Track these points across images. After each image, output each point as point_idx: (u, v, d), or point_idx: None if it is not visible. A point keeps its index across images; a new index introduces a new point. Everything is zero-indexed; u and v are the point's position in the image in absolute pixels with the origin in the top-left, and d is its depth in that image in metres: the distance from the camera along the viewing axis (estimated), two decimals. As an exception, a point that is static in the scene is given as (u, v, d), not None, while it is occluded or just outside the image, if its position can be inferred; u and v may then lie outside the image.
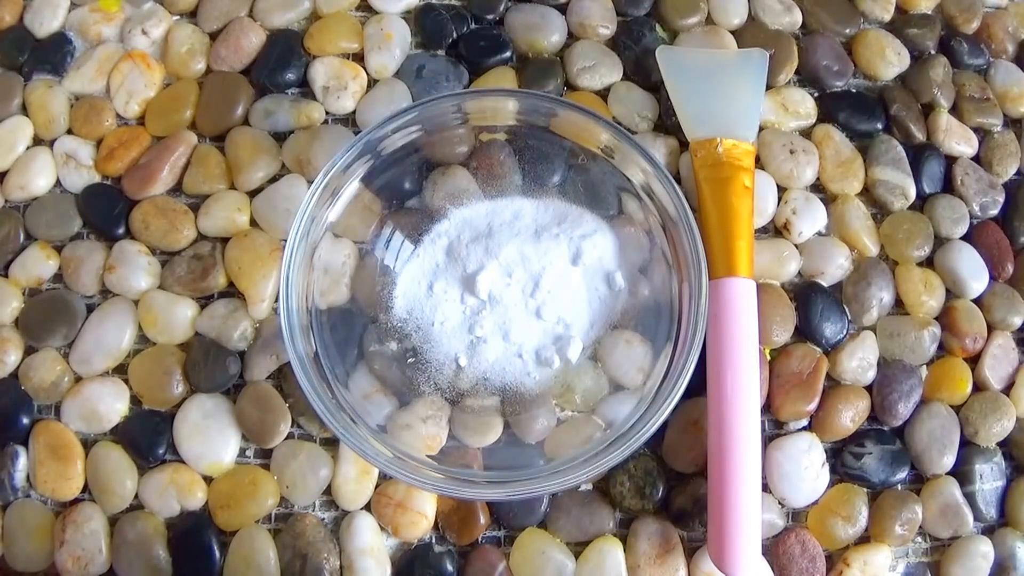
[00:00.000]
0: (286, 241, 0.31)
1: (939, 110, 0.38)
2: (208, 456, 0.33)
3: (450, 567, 0.32)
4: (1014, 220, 0.37)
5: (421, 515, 0.33)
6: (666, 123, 0.37)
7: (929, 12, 0.41)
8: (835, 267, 0.36)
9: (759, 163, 0.37)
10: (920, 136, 0.38)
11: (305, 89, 0.38)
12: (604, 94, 0.38)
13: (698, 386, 0.32)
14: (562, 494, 0.33)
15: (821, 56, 0.39)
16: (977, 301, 0.36)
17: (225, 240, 0.35)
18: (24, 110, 0.38)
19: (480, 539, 0.33)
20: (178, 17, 0.39)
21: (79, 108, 0.37)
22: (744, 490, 0.30)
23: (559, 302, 0.33)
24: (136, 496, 0.33)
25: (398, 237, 0.34)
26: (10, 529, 0.33)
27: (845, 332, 0.35)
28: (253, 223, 0.36)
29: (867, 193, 0.37)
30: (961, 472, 0.34)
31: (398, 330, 0.33)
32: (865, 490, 0.33)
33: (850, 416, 0.34)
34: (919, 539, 0.34)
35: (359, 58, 0.38)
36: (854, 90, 0.39)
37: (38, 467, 0.33)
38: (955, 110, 0.39)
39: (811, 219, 0.36)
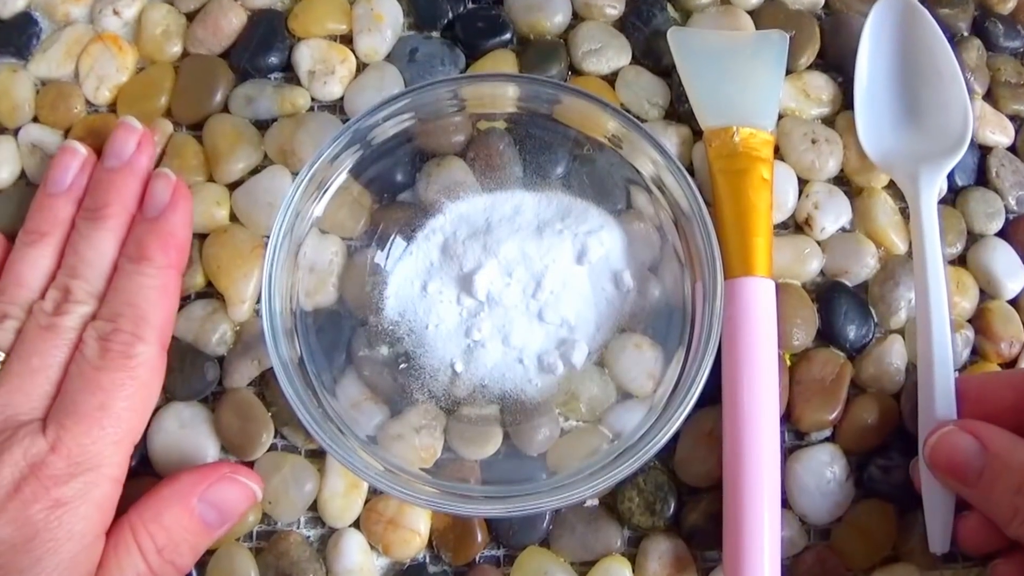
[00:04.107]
0: (269, 238, 0.31)
1: (973, 97, 0.38)
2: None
3: (445, 589, 0.32)
4: (1053, 215, 0.38)
5: (414, 532, 0.33)
6: (678, 110, 0.37)
7: (962, -9, 0.41)
8: (860, 266, 0.36)
9: (778, 154, 0.37)
10: (952, 124, 0.38)
11: (289, 74, 0.38)
12: (611, 79, 0.38)
13: (712, 394, 0.32)
14: (566, 510, 0.33)
15: (845, 38, 0.39)
16: (1013, 302, 0.36)
17: (203, 236, 0.35)
18: (-14, 96, 0.38)
19: (478, 558, 0.33)
20: (152, -4, 0.39)
21: (46, 94, 0.37)
22: (762, 506, 0.30)
23: (563, 303, 0.33)
24: (107, 512, 0.33)
25: (389, 233, 0.34)
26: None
27: (871, 335, 0.35)
28: (233, 218, 0.36)
29: (894, 186, 0.37)
30: (996, 486, 0.34)
31: (389, 333, 0.33)
32: (893, 506, 0.33)
33: (876, 426, 0.34)
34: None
35: (347, 40, 0.38)
36: (881, 75, 0.39)
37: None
38: (989, 96, 0.39)
39: (834, 214, 0.36)
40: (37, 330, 0.30)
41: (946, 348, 0.32)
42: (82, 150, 0.34)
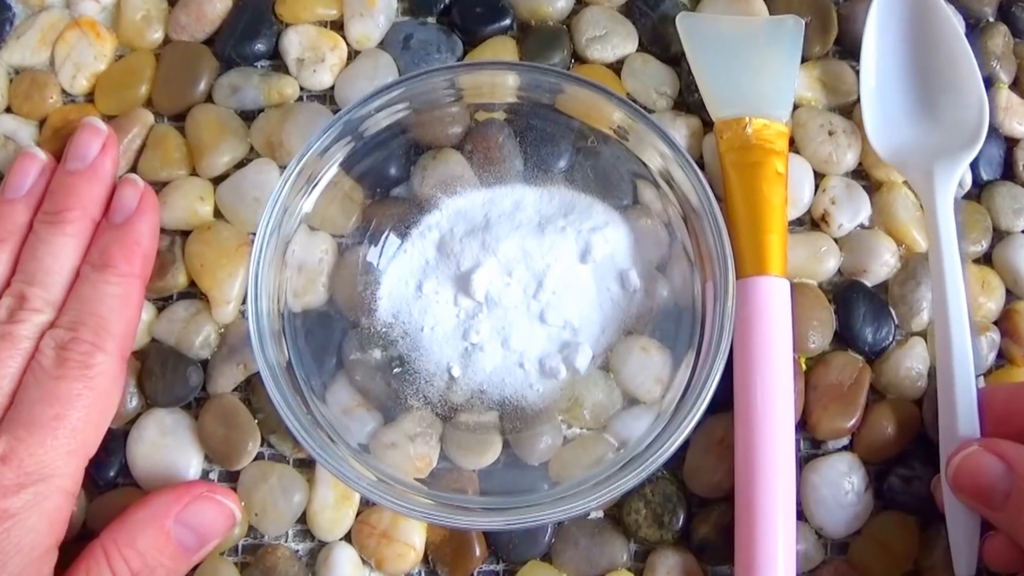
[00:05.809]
0: (255, 235, 0.31)
1: (999, 85, 0.38)
2: (166, 479, 0.33)
3: (442, 605, 0.32)
4: (1083, 211, 0.38)
5: (409, 546, 0.33)
6: (687, 100, 0.37)
7: (987, -26, 0.41)
8: (880, 264, 0.36)
9: (793, 146, 0.37)
10: (976, 115, 0.38)
11: (277, 62, 0.38)
12: (617, 67, 0.38)
13: (724, 399, 0.32)
14: (569, 523, 0.33)
15: (863, 25, 0.38)
16: (1041, 303, 0.36)
17: (186, 233, 0.35)
18: (-43, 86, 0.38)
19: (476, 573, 0.33)
20: (132, -20, 0.39)
21: (19, 83, 0.37)
22: (776, 518, 0.30)
23: (565, 304, 0.33)
24: (84, 524, 0.33)
25: (382, 230, 0.34)
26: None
27: (891, 338, 0.35)
28: (217, 214, 0.36)
29: (916, 180, 0.37)
30: (1024, 498, 0.34)
31: (382, 336, 0.33)
32: (914, 519, 0.33)
33: (897, 434, 0.34)
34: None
35: (338, 26, 0.38)
36: (901, 63, 0.39)
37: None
38: (1016, 85, 0.39)
39: (852, 210, 0.36)
40: None
41: (967, 360, 0.32)
42: (42, 156, 0.34)
